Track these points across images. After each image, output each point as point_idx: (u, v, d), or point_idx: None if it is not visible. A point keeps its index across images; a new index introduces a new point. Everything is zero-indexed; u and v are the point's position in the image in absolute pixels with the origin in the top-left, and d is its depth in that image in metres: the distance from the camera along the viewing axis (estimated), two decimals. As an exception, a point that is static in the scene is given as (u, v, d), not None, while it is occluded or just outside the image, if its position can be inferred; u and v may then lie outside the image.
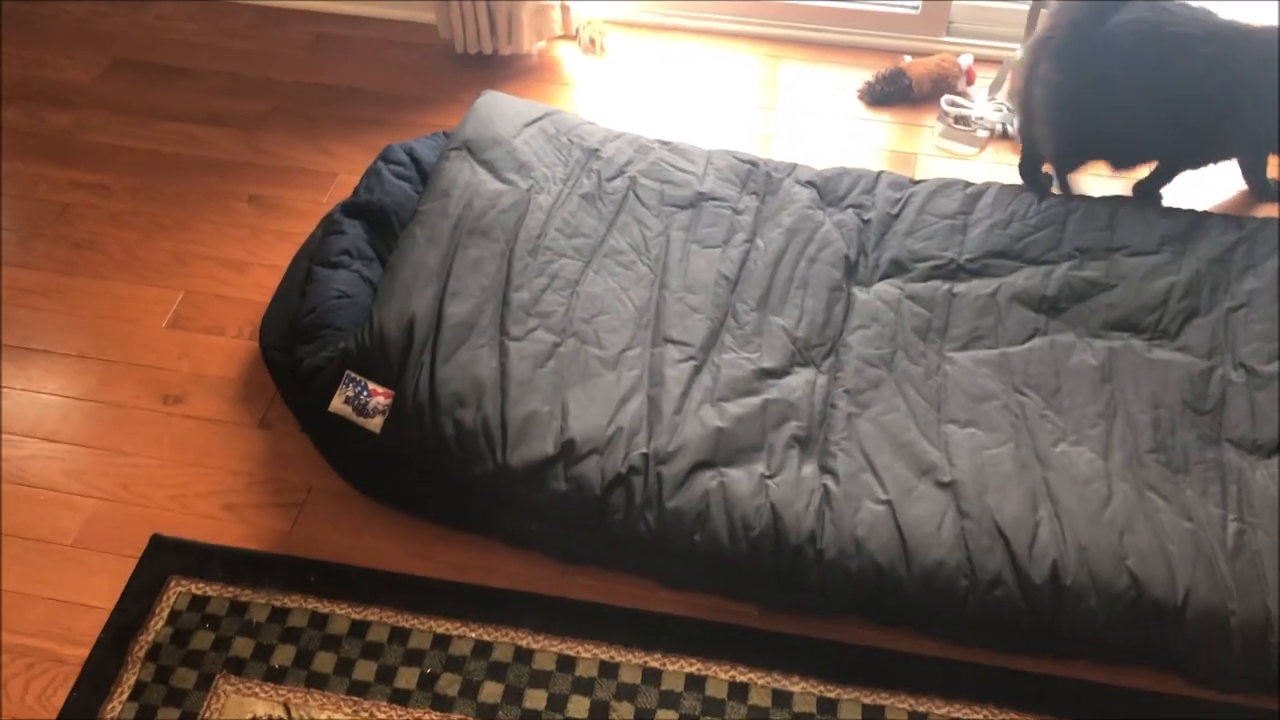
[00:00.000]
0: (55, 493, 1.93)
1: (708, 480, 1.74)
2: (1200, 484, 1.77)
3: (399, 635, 1.74)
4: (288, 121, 2.61)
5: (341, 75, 2.73)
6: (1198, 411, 1.86)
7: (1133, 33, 2.09)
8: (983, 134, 2.56)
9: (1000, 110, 2.59)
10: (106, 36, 2.83)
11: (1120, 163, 2.29)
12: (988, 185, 2.23)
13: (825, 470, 1.77)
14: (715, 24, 2.84)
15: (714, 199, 2.16)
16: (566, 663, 1.71)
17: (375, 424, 1.80)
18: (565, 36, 2.78)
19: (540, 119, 2.26)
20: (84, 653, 1.73)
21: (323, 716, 1.66)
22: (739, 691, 1.69)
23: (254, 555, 1.84)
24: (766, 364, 1.90)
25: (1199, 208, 2.22)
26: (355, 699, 1.67)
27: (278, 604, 1.78)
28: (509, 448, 1.76)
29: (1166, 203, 2.28)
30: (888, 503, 1.72)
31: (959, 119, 2.59)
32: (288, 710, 1.66)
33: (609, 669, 1.71)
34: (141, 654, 1.72)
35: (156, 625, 1.75)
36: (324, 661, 1.71)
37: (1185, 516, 1.71)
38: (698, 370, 1.88)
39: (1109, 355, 1.93)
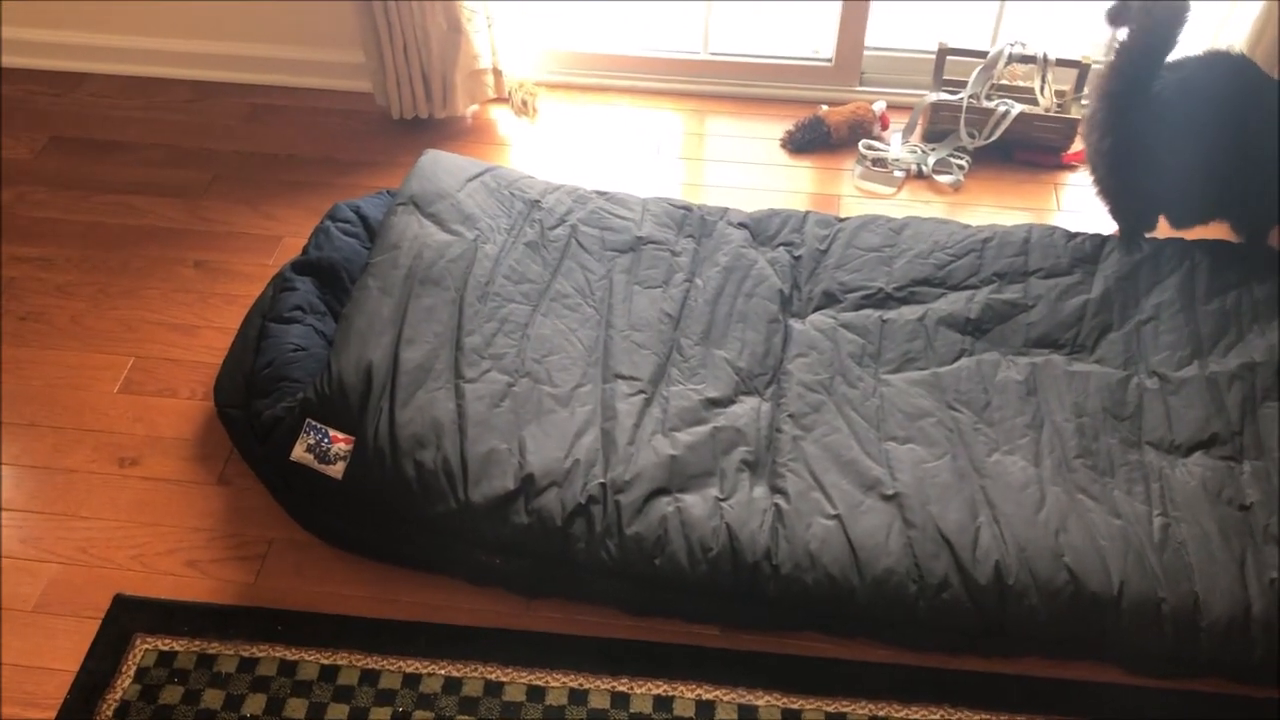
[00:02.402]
0: (12, 560, 1.92)
1: (664, 506, 1.81)
2: (1125, 484, 1.88)
3: (369, 677, 1.77)
4: (229, 189, 2.66)
5: (280, 143, 2.80)
6: (1118, 418, 1.98)
7: (1176, 92, 2.18)
8: (899, 174, 2.71)
9: (914, 152, 2.74)
10: (42, 114, 2.86)
11: (1179, 221, 2.37)
12: (908, 220, 2.36)
13: (776, 490, 1.85)
14: (642, 83, 2.96)
15: (652, 242, 2.25)
16: (536, 693, 1.75)
17: (337, 470, 1.84)
18: (498, 99, 2.88)
19: (482, 174, 2.34)
20: (50, 716, 1.72)
21: (298, 760, 1.67)
22: (706, 709, 1.74)
23: (219, 608, 1.85)
24: (713, 394, 1.98)
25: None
26: (329, 741, 1.70)
27: (246, 654, 1.79)
28: (470, 485, 1.81)
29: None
30: (837, 517, 1.80)
31: (876, 161, 2.74)
32: (262, 757, 1.68)
33: (578, 696, 1.75)
34: (110, 713, 1.72)
35: (124, 683, 1.75)
36: (295, 708, 1.73)
37: (1114, 514, 1.82)
38: (648, 403, 1.96)
39: (1032, 370, 2.05)
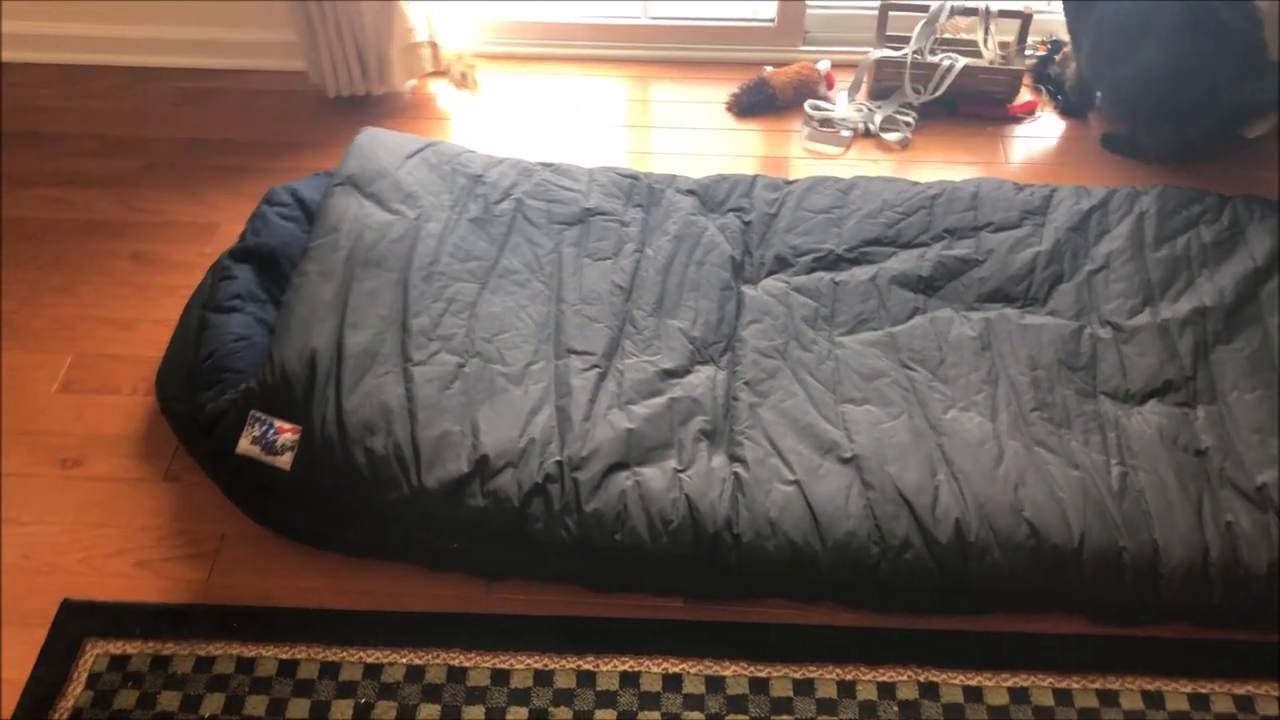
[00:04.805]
0: (-48, 570, 1.87)
1: (623, 480, 1.78)
2: (1082, 435, 1.88)
3: (329, 670, 1.73)
4: (163, 177, 2.58)
5: (214, 128, 2.72)
6: (1072, 369, 1.98)
7: None
8: (846, 134, 2.68)
9: (861, 110, 2.72)
10: (-39, 108, 2.77)
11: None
12: (856, 179, 2.33)
13: (734, 459, 1.83)
14: (583, 50, 2.91)
15: (600, 214, 2.22)
16: (501, 676, 1.73)
17: (285, 461, 1.79)
18: (437, 73, 2.82)
19: (422, 150, 2.29)
20: (0, 728, 1.68)
21: (260, 759, 1.64)
22: (673, 683, 1.72)
23: (172, 608, 1.81)
24: (668, 365, 1.96)
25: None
26: (291, 737, 1.66)
27: (201, 653, 1.75)
28: (423, 470, 1.77)
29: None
30: (796, 483, 1.79)
31: (823, 121, 2.71)
32: (223, 757, 1.64)
33: (543, 677, 1.73)
34: (63, 721, 1.68)
35: (75, 690, 1.71)
36: (255, 705, 1.69)
37: (1072, 465, 1.82)
38: (602, 377, 1.93)
39: (985, 325, 2.04)
